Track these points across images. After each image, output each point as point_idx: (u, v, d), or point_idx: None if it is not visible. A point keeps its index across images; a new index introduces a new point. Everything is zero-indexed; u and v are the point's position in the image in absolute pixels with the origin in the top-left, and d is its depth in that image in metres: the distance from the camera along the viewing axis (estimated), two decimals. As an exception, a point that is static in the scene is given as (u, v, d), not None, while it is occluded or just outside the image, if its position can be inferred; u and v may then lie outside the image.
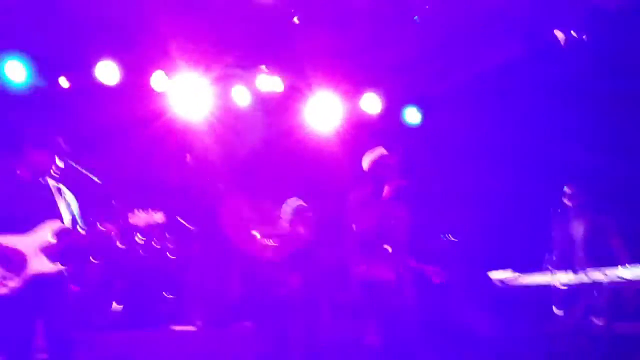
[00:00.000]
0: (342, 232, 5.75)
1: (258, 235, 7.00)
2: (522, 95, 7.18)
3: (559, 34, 6.68)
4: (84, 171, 6.49)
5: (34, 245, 4.46)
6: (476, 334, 6.64)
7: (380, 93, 8.09)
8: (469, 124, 7.77)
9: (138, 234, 6.60)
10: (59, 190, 4.78)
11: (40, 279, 4.44)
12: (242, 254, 7.19)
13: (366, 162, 5.58)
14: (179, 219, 7.11)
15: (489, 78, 7.51)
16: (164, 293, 6.53)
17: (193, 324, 6.44)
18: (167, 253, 6.70)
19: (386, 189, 5.35)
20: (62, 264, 4.56)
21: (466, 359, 6.46)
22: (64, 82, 7.08)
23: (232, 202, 7.63)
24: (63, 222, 4.63)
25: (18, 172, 4.71)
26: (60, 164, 4.79)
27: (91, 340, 5.81)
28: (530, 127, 7.22)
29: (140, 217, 4.76)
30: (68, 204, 4.79)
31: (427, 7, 6.93)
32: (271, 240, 6.82)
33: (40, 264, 4.44)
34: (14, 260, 4.38)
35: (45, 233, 4.53)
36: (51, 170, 4.75)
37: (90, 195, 6.71)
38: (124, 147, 7.40)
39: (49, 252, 4.49)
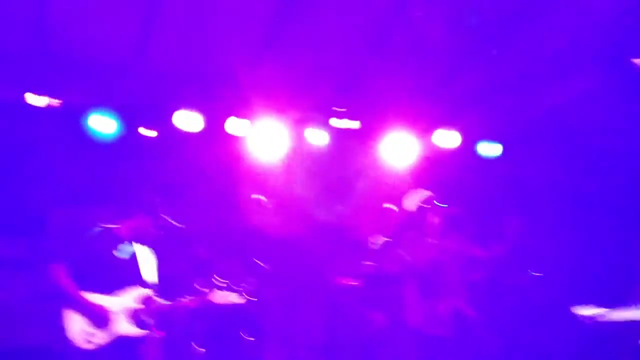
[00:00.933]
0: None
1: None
2: (603, 126, 6.94)
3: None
4: (169, 220, 6.74)
5: (120, 307, 4.64)
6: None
7: (457, 128, 8.02)
8: (549, 156, 7.58)
9: (216, 276, 6.74)
10: (147, 256, 4.97)
11: (124, 341, 4.62)
12: (324, 294, 7.22)
13: (409, 203, 5.66)
14: (257, 261, 7.22)
15: (568, 110, 7.33)
16: (243, 335, 6.59)
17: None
18: (246, 295, 6.78)
19: (431, 223, 5.39)
20: (144, 330, 4.74)
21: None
22: (148, 132, 7.39)
23: (312, 244, 7.69)
24: (147, 288, 4.82)
25: (119, 232, 4.87)
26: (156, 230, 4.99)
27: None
28: (611, 159, 6.98)
29: (219, 296, 5.10)
30: (150, 270, 4.96)
31: (503, 40, 6.86)
32: (354, 281, 6.79)
33: (125, 327, 4.63)
34: (100, 318, 4.56)
35: (131, 297, 4.72)
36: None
37: (174, 242, 6.96)
38: (203, 193, 7.62)
39: (134, 316, 4.67)
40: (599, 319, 5.45)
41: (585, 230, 7.22)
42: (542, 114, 7.79)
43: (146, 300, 4.76)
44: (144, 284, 4.83)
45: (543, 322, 6.74)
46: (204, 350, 6.31)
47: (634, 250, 5.70)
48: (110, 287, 4.67)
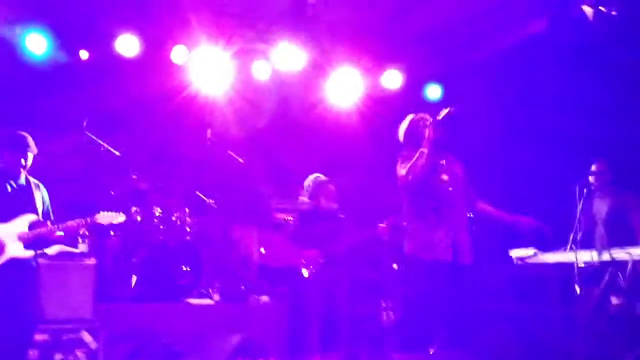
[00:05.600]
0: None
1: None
2: (545, 70, 7.02)
3: (587, 9, 6.51)
4: (103, 144, 6.57)
5: (12, 233, 4.98)
6: (494, 313, 6.57)
7: (402, 68, 8.00)
8: (491, 100, 7.65)
9: (157, 208, 6.63)
10: (37, 186, 5.25)
11: (15, 262, 4.97)
12: (260, 228, 7.20)
13: (401, 132, 5.35)
14: (198, 193, 7.13)
15: (513, 52, 7.37)
16: (182, 267, 6.55)
17: (210, 298, 6.46)
18: (186, 227, 6.71)
19: (428, 134, 5.04)
20: (34, 251, 5.09)
21: (484, 339, 6.40)
22: (83, 54, 7.08)
23: (252, 178, 7.62)
24: (37, 215, 5.13)
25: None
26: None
27: (109, 311, 5.86)
28: (553, 102, 7.08)
29: (103, 217, 5.29)
30: (43, 199, 5.25)
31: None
32: (290, 216, 6.80)
33: (16, 249, 4.98)
34: None
35: (22, 223, 5.04)
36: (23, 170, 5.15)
37: (111, 168, 6.79)
38: (145, 121, 7.42)
39: (24, 240, 5.02)
40: (531, 261, 5.62)
41: (524, 174, 7.36)
42: (487, 57, 7.83)
43: (34, 224, 5.08)
44: (34, 212, 5.13)
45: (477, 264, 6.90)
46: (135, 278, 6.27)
47: (567, 194, 5.84)
48: (2, 216, 5.01)
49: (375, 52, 7.76)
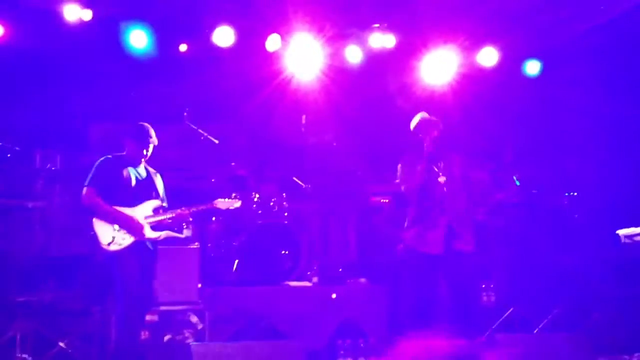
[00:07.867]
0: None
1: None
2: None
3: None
4: (203, 133, 6.79)
5: (142, 216, 5.34)
6: (601, 292, 6.35)
7: (499, 45, 7.79)
8: (592, 74, 7.33)
9: (255, 194, 6.79)
10: (155, 174, 5.60)
11: (144, 243, 5.33)
12: (356, 211, 7.25)
13: (412, 124, 5.65)
14: (294, 178, 7.25)
15: (614, 24, 7.04)
16: (281, 251, 6.69)
17: (309, 281, 6.57)
18: (284, 212, 6.83)
19: (426, 146, 5.41)
20: (159, 232, 5.44)
21: (591, 317, 6.21)
22: (182, 47, 7.33)
23: (346, 162, 7.66)
24: (160, 200, 5.50)
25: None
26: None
27: (213, 294, 6.06)
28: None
29: (223, 203, 5.62)
30: (160, 185, 5.59)
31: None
32: (385, 199, 6.81)
33: (147, 232, 5.34)
34: (133, 226, 5.27)
35: (148, 208, 5.39)
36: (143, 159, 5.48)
37: (211, 156, 7.02)
38: (242, 109, 7.60)
39: (151, 223, 5.37)
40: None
41: (621, 152, 7.06)
42: (584, 32, 7.52)
43: (157, 209, 5.42)
44: (157, 198, 5.48)
45: (584, 243, 6.69)
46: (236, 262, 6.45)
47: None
48: (130, 202, 5.33)
49: (471, 30, 7.59)
